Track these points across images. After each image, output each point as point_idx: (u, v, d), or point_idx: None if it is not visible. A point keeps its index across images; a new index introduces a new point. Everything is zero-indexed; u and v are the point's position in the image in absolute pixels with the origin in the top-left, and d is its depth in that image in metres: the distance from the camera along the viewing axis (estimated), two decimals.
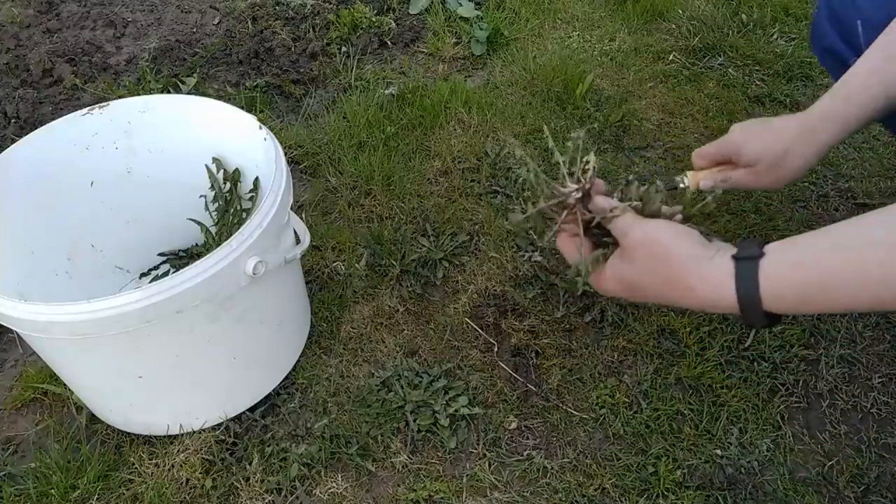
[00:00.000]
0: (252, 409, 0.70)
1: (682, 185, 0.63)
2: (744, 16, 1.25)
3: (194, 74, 1.16)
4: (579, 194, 0.46)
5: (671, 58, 1.18)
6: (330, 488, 0.64)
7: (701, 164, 0.63)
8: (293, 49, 1.23)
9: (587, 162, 0.46)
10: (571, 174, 0.47)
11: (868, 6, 0.63)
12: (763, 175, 0.58)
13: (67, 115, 0.73)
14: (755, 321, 0.39)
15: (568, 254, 0.49)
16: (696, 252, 0.41)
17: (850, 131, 0.58)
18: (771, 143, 0.58)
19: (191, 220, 0.79)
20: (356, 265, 0.85)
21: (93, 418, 0.70)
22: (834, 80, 0.68)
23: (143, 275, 0.82)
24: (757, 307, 0.38)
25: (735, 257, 0.40)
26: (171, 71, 1.17)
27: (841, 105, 0.57)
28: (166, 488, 0.64)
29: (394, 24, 1.28)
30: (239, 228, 0.58)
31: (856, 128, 0.58)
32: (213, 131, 0.74)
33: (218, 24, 1.31)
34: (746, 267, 0.39)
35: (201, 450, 0.67)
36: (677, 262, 0.41)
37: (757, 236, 0.39)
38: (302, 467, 0.65)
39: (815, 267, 0.37)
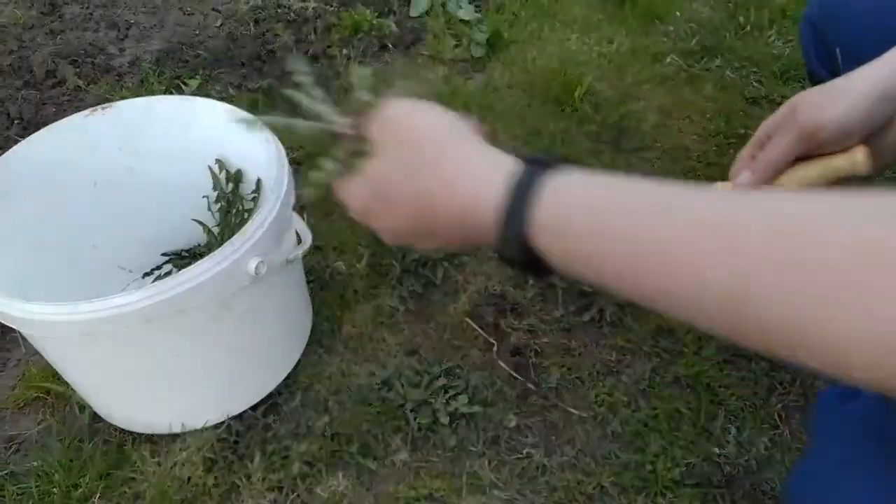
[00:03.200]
0: (254, 408, 0.70)
1: None
2: (741, 18, 1.26)
3: (197, 76, 1.16)
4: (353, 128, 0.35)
5: (669, 60, 1.19)
6: (331, 486, 0.65)
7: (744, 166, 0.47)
8: (295, 51, 1.23)
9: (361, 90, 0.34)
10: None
11: (846, 34, 0.56)
12: (801, 107, 0.42)
13: (70, 116, 0.73)
14: (510, 249, 0.28)
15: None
16: (463, 132, 0.31)
17: None
18: (856, 103, 0.41)
19: (194, 220, 0.79)
20: (357, 265, 0.85)
21: (95, 417, 0.71)
22: None
23: (145, 274, 0.82)
24: (520, 222, 0.27)
25: (522, 159, 0.29)
26: (173, 73, 1.18)
27: None
28: (168, 486, 0.64)
29: (394, 27, 1.29)
30: (241, 229, 0.59)
31: None
32: (216, 132, 0.75)
33: (220, 26, 1.32)
34: (531, 170, 0.28)
35: (203, 448, 0.67)
36: (435, 138, 0.31)
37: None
38: (303, 465, 0.66)
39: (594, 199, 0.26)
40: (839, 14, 0.59)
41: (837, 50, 0.59)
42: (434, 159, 0.31)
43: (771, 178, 0.45)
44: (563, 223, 0.27)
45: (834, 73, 0.61)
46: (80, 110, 0.74)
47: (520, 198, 0.28)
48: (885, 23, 0.55)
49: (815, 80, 0.65)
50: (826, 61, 0.62)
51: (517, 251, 0.28)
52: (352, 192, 0.35)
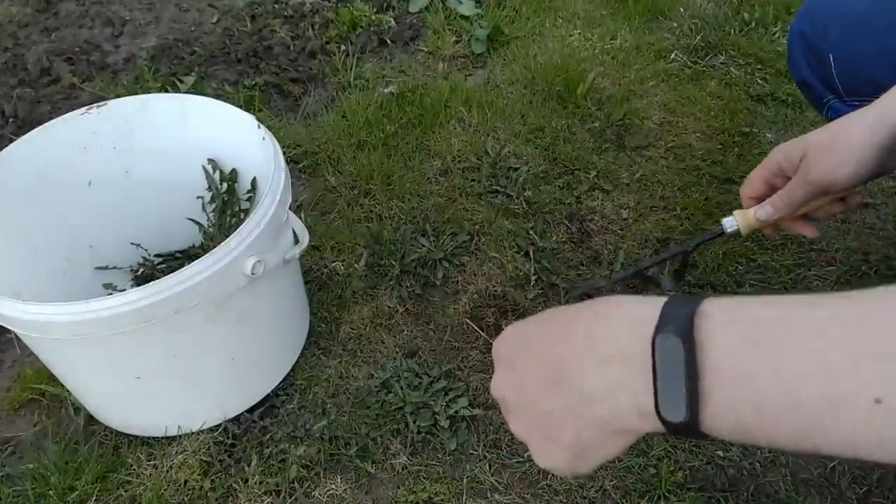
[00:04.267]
0: (251, 411, 0.69)
1: (729, 230, 0.54)
2: (745, 14, 1.24)
3: (192, 73, 1.15)
4: None
5: (673, 56, 1.18)
6: (329, 490, 0.64)
7: (751, 195, 0.53)
8: (292, 47, 1.22)
9: None
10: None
11: (838, 40, 0.59)
12: (816, 166, 0.44)
13: (65, 115, 0.72)
14: (673, 381, 0.23)
15: None
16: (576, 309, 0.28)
17: None
18: (822, 129, 0.46)
19: (189, 219, 0.78)
20: (355, 265, 0.84)
21: (91, 419, 0.70)
22: (816, 111, 0.65)
23: (141, 275, 0.81)
24: (687, 349, 0.23)
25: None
26: (169, 70, 1.17)
27: None
28: (164, 490, 0.64)
29: (393, 23, 1.27)
30: (238, 228, 0.58)
31: None
32: (212, 130, 0.74)
33: (216, 22, 1.30)
34: (681, 302, 0.25)
35: (200, 451, 0.66)
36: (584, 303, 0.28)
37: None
38: (301, 469, 0.65)
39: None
40: (829, 22, 0.61)
41: (830, 56, 0.60)
42: (583, 307, 0.28)
43: (789, 215, 0.52)
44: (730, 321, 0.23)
45: (827, 80, 0.61)
46: (75, 108, 0.73)
47: (681, 310, 0.24)
48: (875, 25, 0.56)
49: (806, 89, 0.66)
50: (818, 70, 0.63)
51: (679, 384, 0.23)
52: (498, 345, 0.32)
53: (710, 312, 0.23)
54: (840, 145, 0.45)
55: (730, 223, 0.55)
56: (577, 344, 0.26)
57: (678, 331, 0.23)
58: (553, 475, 0.65)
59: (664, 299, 0.25)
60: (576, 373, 0.26)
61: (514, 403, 0.30)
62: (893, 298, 0.21)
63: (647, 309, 0.25)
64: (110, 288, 0.76)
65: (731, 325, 0.23)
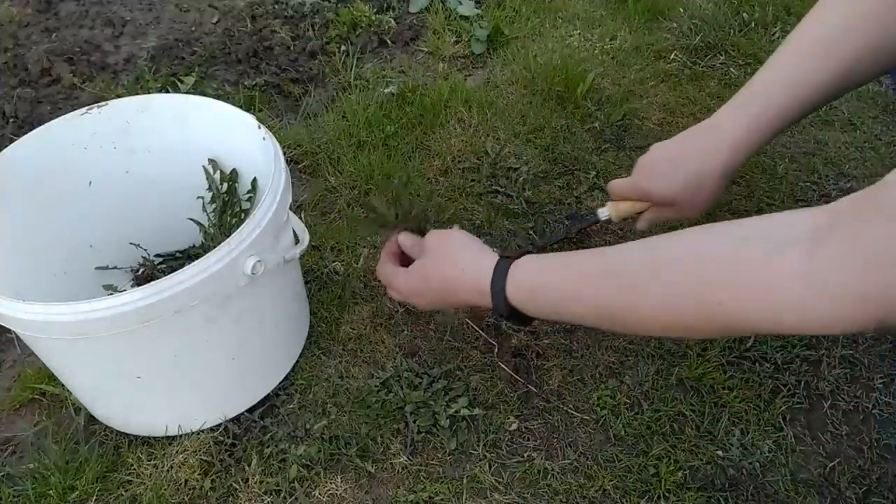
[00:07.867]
0: (251, 410, 0.70)
1: (603, 218, 0.65)
2: (745, 14, 1.25)
3: (193, 73, 1.15)
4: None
5: (672, 57, 1.18)
6: (329, 489, 0.64)
7: (617, 197, 0.65)
8: (292, 48, 1.22)
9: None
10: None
11: None
12: (685, 211, 0.60)
13: (66, 115, 0.72)
14: (499, 308, 0.51)
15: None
16: (475, 248, 0.55)
17: (763, 136, 0.53)
18: (677, 180, 0.57)
19: (190, 219, 0.79)
20: (355, 265, 0.84)
21: (91, 419, 0.70)
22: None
23: (141, 275, 0.81)
24: (502, 294, 0.50)
25: (501, 256, 0.52)
26: (169, 70, 1.17)
27: (740, 114, 0.53)
28: (165, 489, 0.64)
29: (393, 23, 1.27)
30: (238, 228, 0.58)
31: (770, 132, 0.53)
32: (212, 130, 0.74)
33: (216, 22, 1.30)
34: (503, 264, 0.51)
35: (200, 451, 0.66)
36: (458, 251, 0.54)
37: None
38: (301, 468, 0.65)
39: (545, 276, 0.48)
40: None
41: None
42: (455, 260, 0.55)
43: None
44: (526, 288, 0.50)
45: None
46: (75, 108, 0.73)
47: (499, 281, 0.51)
48: None
49: None
50: None
51: (505, 311, 0.51)
52: (402, 279, 0.59)
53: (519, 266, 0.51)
54: (699, 202, 0.59)
55: (604, 213, 0.67)
56: (454, 292, 0.55)
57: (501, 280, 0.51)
58: (553, 477, 0.65)
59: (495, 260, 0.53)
60: (452, 296, 0.55)
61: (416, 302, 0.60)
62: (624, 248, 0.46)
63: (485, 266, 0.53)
64: (111, 288, 0.76)
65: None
